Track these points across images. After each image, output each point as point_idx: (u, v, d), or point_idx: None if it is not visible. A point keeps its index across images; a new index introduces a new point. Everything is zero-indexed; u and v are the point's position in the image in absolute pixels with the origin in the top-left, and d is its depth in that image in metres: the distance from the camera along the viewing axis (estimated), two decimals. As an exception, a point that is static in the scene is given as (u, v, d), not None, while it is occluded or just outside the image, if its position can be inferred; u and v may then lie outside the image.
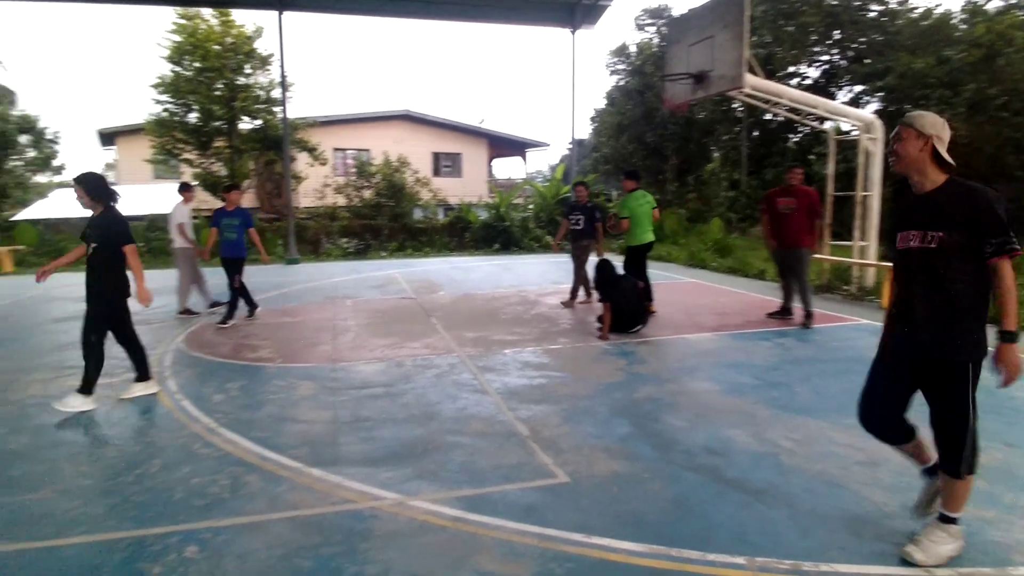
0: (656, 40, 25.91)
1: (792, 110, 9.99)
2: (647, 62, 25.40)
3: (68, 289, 11.87)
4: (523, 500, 3.22)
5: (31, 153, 23.31)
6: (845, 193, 10.15)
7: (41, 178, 26.86)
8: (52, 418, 4.58)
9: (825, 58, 21.41)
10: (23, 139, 21.94)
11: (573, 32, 17.28)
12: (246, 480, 3.48)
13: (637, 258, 7.94)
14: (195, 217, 9.48)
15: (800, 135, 21.89)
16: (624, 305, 6.93)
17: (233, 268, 7.87)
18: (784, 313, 7.62)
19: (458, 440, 4.04)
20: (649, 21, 26.58)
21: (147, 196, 22.39)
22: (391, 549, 2.78)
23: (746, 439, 3.99)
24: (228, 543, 2.84)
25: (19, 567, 2.69)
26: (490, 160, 33.04)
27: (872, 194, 9.22)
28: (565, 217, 9.11)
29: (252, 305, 8.32)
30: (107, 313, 4.87)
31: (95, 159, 64.88)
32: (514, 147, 33.45)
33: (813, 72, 21.75)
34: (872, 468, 3.56)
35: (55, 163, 25.02)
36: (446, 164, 30.56)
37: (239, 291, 7.96)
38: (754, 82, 8.38)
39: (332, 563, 2.68)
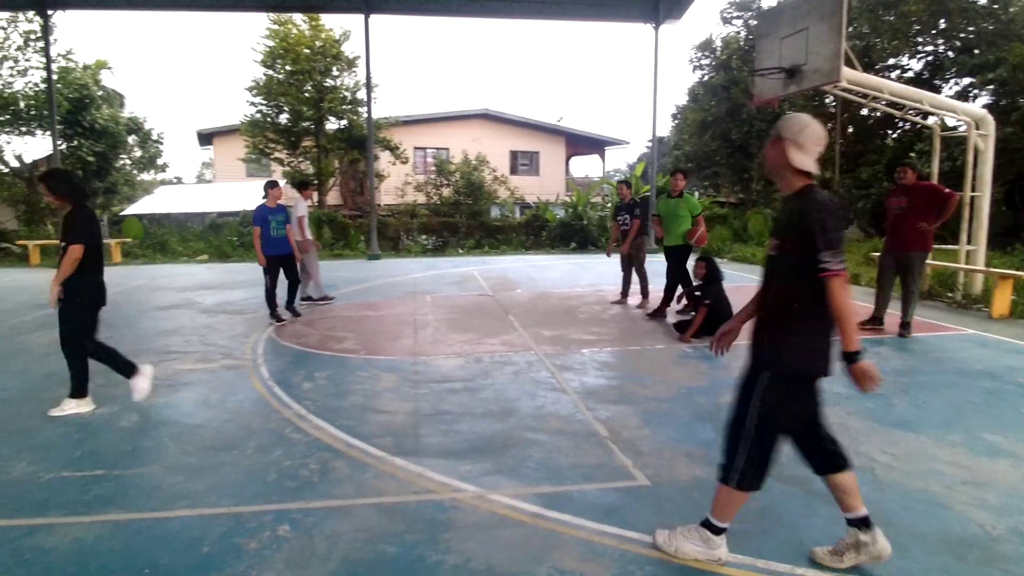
0: (743, 34, 24.99)
1: (892, 105, 9.41)
2: (733, 56, 24.53)
3: (171, 279, 12.75)
4: (602, 500, 3.20)
5: (137, 152, 25.09)
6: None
7: (146, 176, 28.85)
8: (158, 398, 4.92)
9: (929, 49, 20.00)
10: (131, 139, 23.62)
11: (656, 27, 16.96)
12: (334, 465, 3.62)
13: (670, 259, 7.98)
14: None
15: (900, 131, 20.59)
16: (718, 305, 6.72)
17: (288, 264, 7.99)
18: (874, 322, 7.16)
19: (537, 437, 4.04)
20: (736, 14, 25.64)
21: (240, 193, 23.70)
22: (472, 540, 2.82)
23: (838, 451, 3.80)
24: (318, 524, 2.96)
25: (132, 535, 2.91)
26: (568, 158, 32.91)
27: (982, 195, 8.57)
28: (614, 219, 9.17)
29: (275, 309, 7.95)
30: (90, 317, 4.67)
31: (194, 158, 69.15)
32: (592, 145, 33.17)
33: (915, 64, 20.38)
34: (979, 488, 3.31)
35: (159, 162, 26.85)
36: (523, 162, 30.68)
37: (271, 292, 7.88)
38: (851, 76, 7.94)
39: (415, 550, 2.74)
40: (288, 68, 20.02)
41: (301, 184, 9.31)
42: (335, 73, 20.86)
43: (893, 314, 7.03)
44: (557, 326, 7.42)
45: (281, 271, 7.99)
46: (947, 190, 6.71)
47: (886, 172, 19.59)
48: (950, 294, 8.83)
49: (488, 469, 3.56)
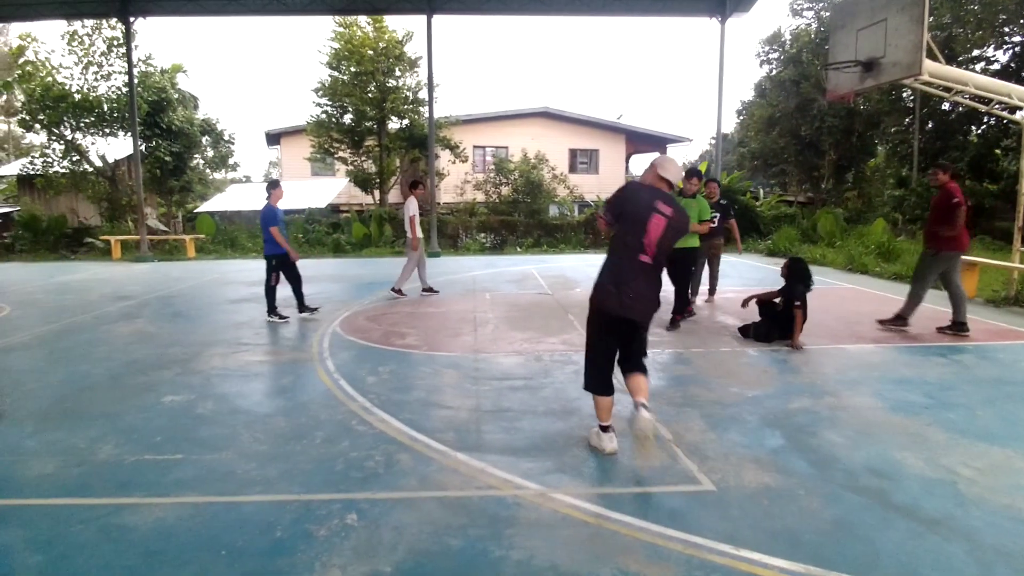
0: (815, 26, 24.12)
1: (977, 98, 8.88)
2: (803, 50, 23.72)
3: (242, 274, 13.26)
4: (666, 504, 3.14)
5: (210, 152, 26.25)
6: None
7: (218, 175, 30.11)
8: (231, 388, 5.13)
9: (1017, 40, 18.81)
10: (204, 140, 24.71)
11: (722, 21, 16.54)
12: (398, 458, 3.69)
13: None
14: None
15: (985, 126, 19.44)
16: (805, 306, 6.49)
17: (283, 264, 7.88)
18: (955, 327, 6.81)
19: (598, 437, 4.01)
20: (807, 6, 24.75)
21: (306, 191, 24.44)
22: (535, 538, 2.82)
23: (917, 463, 3.62)
24: (384, 515, 3.03)
25: (209, 517, 3.04)
26: (628, 156, 32.51)
27: (1077, 194, 7.99)
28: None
29: (275, 307, 7.97)
30: None
31: (263, 157, 71.68)
32: (653, 143, 32.63)
33: (1002, 56, 19.20)
34: (1076, 507, 3.09)
35: (230, 161, 28.00)
36: (582, 160, 30.48)
37: (273, 290, 7.92)
38: (933, 68, 7.53)
39: (479, 544, 2.77)
40: (352, 69, 20.51)
41: (413, 184, 9.63)
42: (397, 74, 21.25)
43: (979, 319, 6.63)
44: (617, 326, 7.31)
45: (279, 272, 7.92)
46: (955, 199, 6.59)
47: (969, 170, 18.54)
48: (1040, 300, 8.28)
49: (550, 467, 3.56)
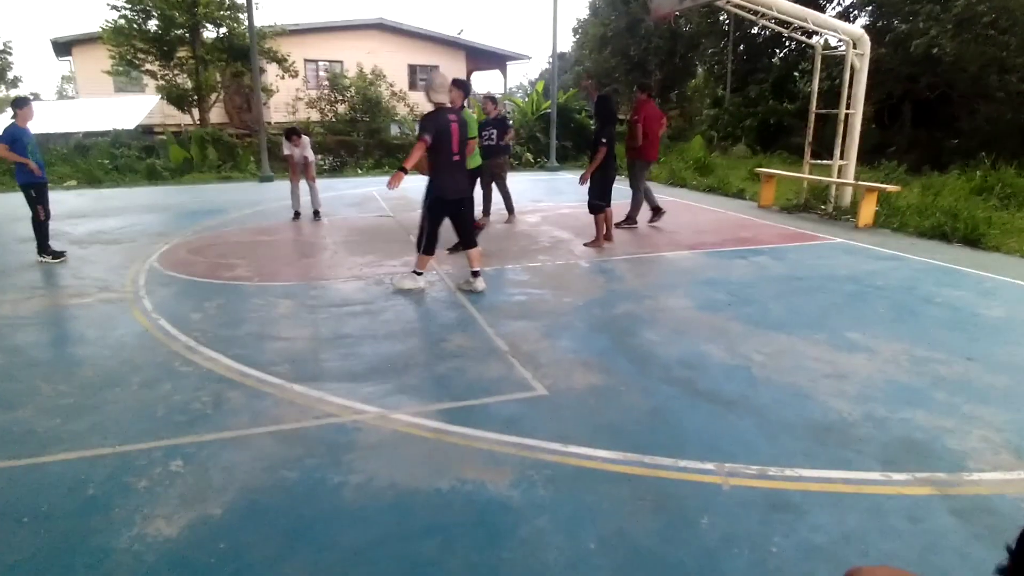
0: (643, -55, 24.62)
1: (780, 23, 9.67)
2: (632, -31, 24.24)
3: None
4: (503, 412, 3.31)
5: (-19, 66, 22.02)
6: (828, 111, 9.98)
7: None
8: (26, 338, 4.54)
9: (816, -33, 20.56)
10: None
11: (555, -66, 16.32)
12: (228, 396, 3.51)
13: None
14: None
15: (786, 50, 21.33)
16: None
17: (44, 195, 6.89)
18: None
19: (438, 356, 4.09)
20: (636, -77, 25.13)
21: (109, 110, 21.41)
22: (374, 460, 2.85)
23: (719, 353, 4.10)
24: (213, 456, 2.89)
25: (7, 483, 2.72)
26: (468, 74, 31.84)
27: (855, 112, 9.10)
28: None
29: (45, 247, 6.98)
30: None
31: (52, 71, 61.19)
32: (494, 60, 32.16)
33: (802, -17, 20.94)
34: (839, 381, 3.69)
35: (9, 76, 23.70)
36: (423, 77, 29.39)
37: (43, 224, 6.91)
38: (742, -9, 8.05)
39: (316, 473, 2.74)
40: (153, -35, 17.80)
41: (292, 132, 9.48)
42: (208, -27, 18.77)
43: (773, 224, 7.47)
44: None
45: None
46: (634, 117, 7.96)
47: (772, 91, 20.35)
48: (823, 206, 9.49)
49: (390, 389, 3.58)
